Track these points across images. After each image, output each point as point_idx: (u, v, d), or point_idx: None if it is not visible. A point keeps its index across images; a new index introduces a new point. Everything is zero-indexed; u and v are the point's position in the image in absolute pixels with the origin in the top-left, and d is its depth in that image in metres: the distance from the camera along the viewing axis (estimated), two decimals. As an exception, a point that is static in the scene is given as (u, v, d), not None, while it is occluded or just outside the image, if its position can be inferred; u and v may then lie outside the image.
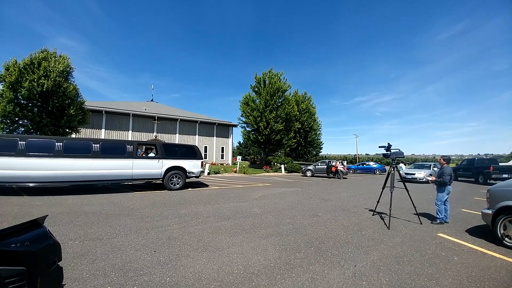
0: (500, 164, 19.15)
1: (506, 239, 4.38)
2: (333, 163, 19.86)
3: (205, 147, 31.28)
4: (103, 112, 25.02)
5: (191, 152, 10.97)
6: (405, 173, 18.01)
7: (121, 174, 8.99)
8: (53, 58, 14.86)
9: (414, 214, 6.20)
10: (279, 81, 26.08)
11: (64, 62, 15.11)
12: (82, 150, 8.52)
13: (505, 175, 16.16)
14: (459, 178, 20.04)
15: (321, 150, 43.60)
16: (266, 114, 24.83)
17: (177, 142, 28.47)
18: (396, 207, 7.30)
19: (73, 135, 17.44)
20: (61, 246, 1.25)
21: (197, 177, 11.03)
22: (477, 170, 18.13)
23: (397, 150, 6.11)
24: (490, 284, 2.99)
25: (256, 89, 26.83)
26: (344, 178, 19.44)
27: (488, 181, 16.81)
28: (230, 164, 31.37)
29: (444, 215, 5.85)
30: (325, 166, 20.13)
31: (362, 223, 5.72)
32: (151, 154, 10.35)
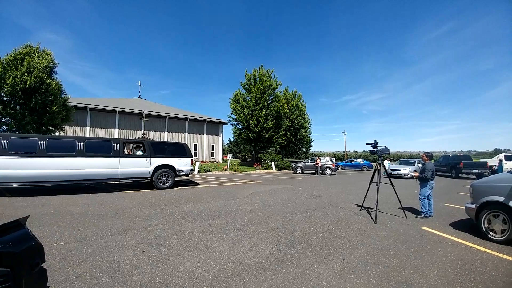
0: (482, 160, 21.49)
1: (491, 233, 4.47)
2: (315, 160, 20.37)
3: (195, 145, 30.95)
4: (88, 109, 24.22)
5: (181, 150, 10.83)
6: (391, 169, 18.58)
7: (108, 173, 8.77)
8: (36, 54, 14.34)
9: (400, 208, 6.41)
10: (270, 79, 26.14)
11: (48, 57, 14.58)
12: (66, 148, 8.23)
13: (475, 170, 18.49)
14: (437, 173, 21.22)
15: (311, 148, 44.27)
16: (256, 111, 24.84)
17: (166, 140, 28.01)
18: (382, 202, 7.52)
19: (57, 133, 16.82)
20: (46, 248, 1.21)
21: (186, 175, 10.91)
22: (450, 165, 19.98)
23: (383, 147, 6.28)
24: (477, 277, 3.05)
25: (247, 86, 26.77)
26: (332, 174, 19.81)
27: (460, 175, 19.19)
28: (221, 162, 31.22)
29: (428, 209, 6.07)
30: (315, 163, 20.46)
31: (350, 218, 5.86)
32: (139, 153, 10.15)
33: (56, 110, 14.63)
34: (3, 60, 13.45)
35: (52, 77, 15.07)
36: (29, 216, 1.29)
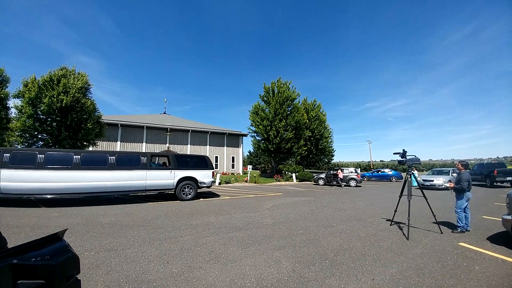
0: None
1: None
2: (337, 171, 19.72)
3: (216, 157, 31.54)
4: (119, 125, 25.95)
5: (202, 163, 11.10)
6: (423, 180, 17.33)
7: (136, 185, 9.20)
8: (72, 75, 15.68)
9: (434, 223, 5.92)
10: (288, 90, 26.23)
11: (83, 79, 15.91)
12: (99, 162, 8.81)
13: (508, 178, 17.40)
14: (473, 182, 19.64)
15: (333, 158, 42.89)
16: (275, 122, 24.88)
17: (188, 153, 28.92)
18: (415, 216, 6.99)
19: (90, 148, 18.12)
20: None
21: (208, 187, 11.08)
22: (484, 174, 18.90)
23: (413, 157, 5.91)
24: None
25: (265, 98, 27.07)
26: (358, 186, 18.95)
27: (494, 184, 18.16)
28: (241, 174, 31.37)
29: (465, 223, 5.56)
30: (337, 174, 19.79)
31: (379, 233, 5.51)
32: (164, 165, 10.55)
33: (91, 126, 15.83)
34: (38, 81, 14.73)
35: (87, 97, 16.42)
36: (67, 229, 1.39)
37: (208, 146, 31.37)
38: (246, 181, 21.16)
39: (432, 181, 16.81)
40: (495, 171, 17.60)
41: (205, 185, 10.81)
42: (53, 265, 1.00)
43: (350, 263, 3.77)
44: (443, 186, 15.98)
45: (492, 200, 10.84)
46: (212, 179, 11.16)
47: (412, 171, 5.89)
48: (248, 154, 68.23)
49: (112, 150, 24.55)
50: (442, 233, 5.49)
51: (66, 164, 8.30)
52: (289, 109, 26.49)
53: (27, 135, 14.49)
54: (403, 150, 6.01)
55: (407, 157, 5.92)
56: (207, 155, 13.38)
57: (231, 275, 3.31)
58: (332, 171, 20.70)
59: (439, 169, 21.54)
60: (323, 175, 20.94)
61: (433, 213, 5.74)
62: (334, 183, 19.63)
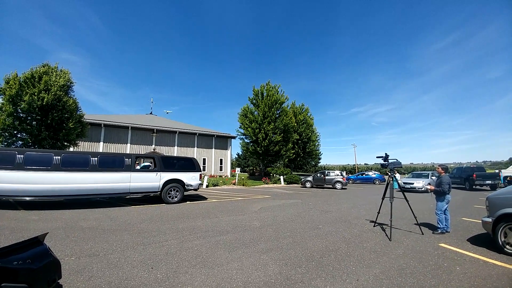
0: (496, 171, 21.50)
1: (507, 246, 4.40)
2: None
3: (204, 159, 31.17)
4: (102, 125, 25.07)
5: (190, 165, 10.92)
6: (404, 183, 17.99)
7: (119, 187, 8.89)
8: (54, 73, 14.98)
9: (415, 224, 6.16)
10: (277, 93, 26.51)
11: (65, 76, 15.26)
12: (80, 163, 8.46)
13: (488, 181, 18.40)
14: (452, 186, 21.10)
15: (320, 161, 43.67)
16: (264, 125, 25.02)
17: (175, 155, 28.39)
18: (397, 217, 7.24)
19: (71, 149, 17.37)
20: (60, 263, 1.24)
21: (195, 189, 10.92)
22: (464, 177, 19.82)
23: (395, 160, 6.14)
24: (492, 293, 2.99)
25: (254, 101, 27.19)
26: (343, 188, 19.38)
27: (474, 187, 18.85)
28: (229, 176, 31.16)
29: (445, 225, 5.82)
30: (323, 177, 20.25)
31: (363, 235, 5.66)
32: (149, 166, 10.30)
33: (72, 126, 15.14)
34: (20, 77, 13.99)
35: (69, 95, 15.72)
36: (47, 233, 1.34)
37: (195, 148, 30.96)
38: (234, 184, 21.04)
39: (413, 184, 17.50)
40: (474, 175, 18.49)
41: (192, 188, 10.64)
42: (34, 269, 0.97)
43: (335, 264, 3.84)
44: (423, 189, 16.67)
45: (471, 203, 11.36)
46: (200, 182, 11.01)
47: (394, 174, 6.11)
48: (236, 156, 67.94)
49: (94, 151, 23.65)
50: (423, 234, 5.72)
51: (46, 165, 7.91)
52: (278, 112, 26.75)
53: (6, 134, 13.67)
54: (386, 154, 6.23)
55: (389, 161, 6.14)
56: (195, 157, 13.20)
57: (217, 279, 3.28)
58: (319, 174, 21.07)
59: (419, 172, 22.46)
60: (310, 178, 21.24)
61: (414, 215, 5.97)
62: (325, 185, 20.07)
